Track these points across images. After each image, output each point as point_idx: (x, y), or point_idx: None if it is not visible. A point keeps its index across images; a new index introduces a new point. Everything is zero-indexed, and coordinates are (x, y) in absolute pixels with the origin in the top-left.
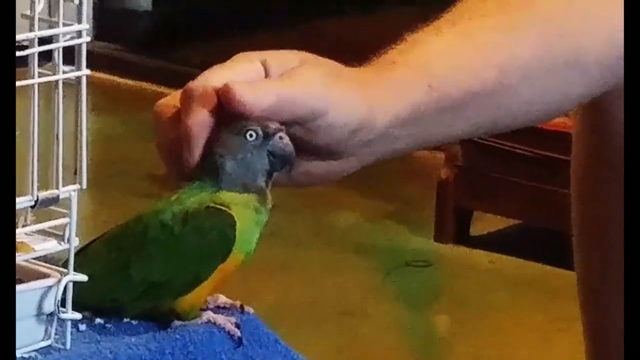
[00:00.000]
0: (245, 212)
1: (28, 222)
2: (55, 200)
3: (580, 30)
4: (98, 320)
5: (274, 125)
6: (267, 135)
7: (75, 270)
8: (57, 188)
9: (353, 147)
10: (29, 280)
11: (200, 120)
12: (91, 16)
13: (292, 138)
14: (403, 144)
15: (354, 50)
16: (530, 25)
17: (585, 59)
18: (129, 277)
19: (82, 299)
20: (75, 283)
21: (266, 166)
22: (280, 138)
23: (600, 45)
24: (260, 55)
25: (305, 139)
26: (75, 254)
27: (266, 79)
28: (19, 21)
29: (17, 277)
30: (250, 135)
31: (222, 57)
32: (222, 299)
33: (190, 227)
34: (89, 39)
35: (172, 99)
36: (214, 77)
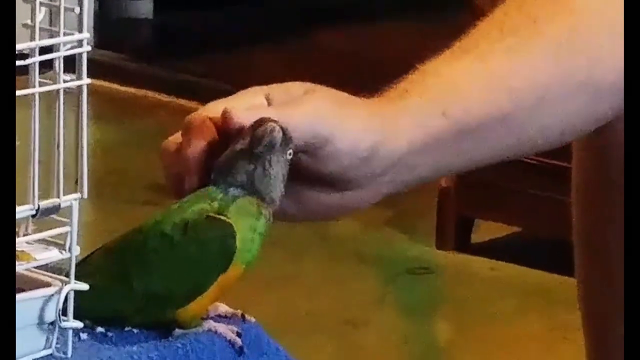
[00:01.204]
0: (246, 222)
1: (29, 231)
2: (56, 209)
3: (591, 55)
4: (99, 329)
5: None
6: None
7: (76, 279)
8: (58, 197)
9: (367, 176)
10: (30, 289)
11: (198, 150)
12: (92, 25)
13: (300, 167)
14: (423, 173)
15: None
16: (544, 50)
17: (599, 82)
18: (131, 288)
19: (83, 309)
20: (77, 293)
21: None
22: (267, 126)
23: (611, 69)
24: (264, 89)
25: (313, 168)
26: (77, 264)
27: (268, 106)
28: (20, 30)
29: (18, 286)
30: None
31: (223, 65)
32: (223, 308)
33: (190, 238)
34: (89, 48)
35: (178, 135)
36: (214, 109)
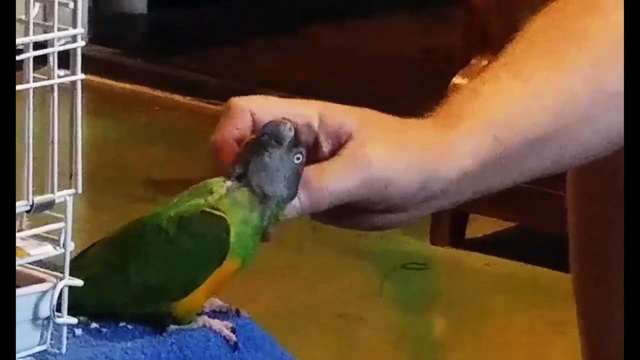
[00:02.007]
0: (239, 215)
1: (23, 227)
2: (50, 204)
3: (622, 66)
4: (94, 325)
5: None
6: (269, 124)
7: (71, 274)
8: (53, 192)
9: (417, 204)
10: (24, 285)
11: (227, 134)
12: (86, 20)
13: (357, 205)
14: (468, 195)
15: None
16: (585, 64)
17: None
18: (127, 280)
19: (79, 302)
20: (72, 287)
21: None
22: (280, 125)
23: None
24: (318, 105)
25: (367, 205)
26: (73, 259)
27: (331, 165)
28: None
29: None
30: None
31: (218, 61)
32: (218, 303)
33: (184, 232)
34: (83, 43)
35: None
36: (258, 102)
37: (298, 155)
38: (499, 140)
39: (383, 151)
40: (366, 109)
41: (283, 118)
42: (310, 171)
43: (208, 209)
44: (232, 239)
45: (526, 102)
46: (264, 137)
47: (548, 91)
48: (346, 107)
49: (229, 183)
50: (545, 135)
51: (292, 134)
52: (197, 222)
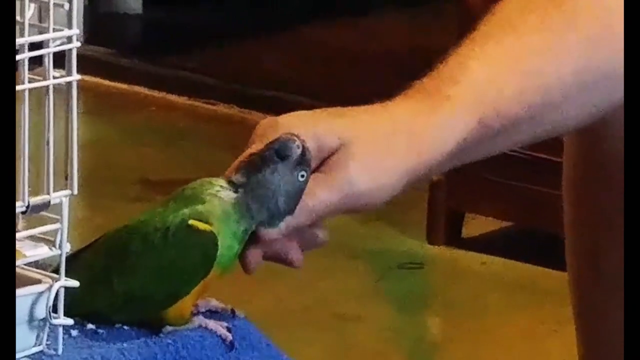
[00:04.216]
0: (231, 229)
1: (19, 228)
2: (46, 205)
3: (616, 47)
4: (90, 326)
5: (289, 135)
6: (279, 139)
7: (66, 276)
8: (48, 193)
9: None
10: (20, 286)
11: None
12: (81, 21)
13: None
14: (445, 170)
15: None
16: (574, 43)
17: (620, 71)
18: (112, 289)
19: (70, 306)
20: (67, 289)
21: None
22: (290, 141)
23: None
24: (317, 125)
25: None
26: (67, 261)
27: (313, 184)
28: None
29: None
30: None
31: (213, 60)
32: (214, 303)
33: (170, 246)
34: (79, 44)
35: None
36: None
37: (302, 173)
38: (485, 124)
39: (366, 170)
40: (353, 113)
41: (292, 134)
42: None
43: (196, 222)
44: (219, 251)
45: (515, 82)
46: (270, 151)
47: (537, 71)
48: (331, 119)
49: (223, 193)
50: (530, 114)
51: (299, 151)
52: (184, 236)
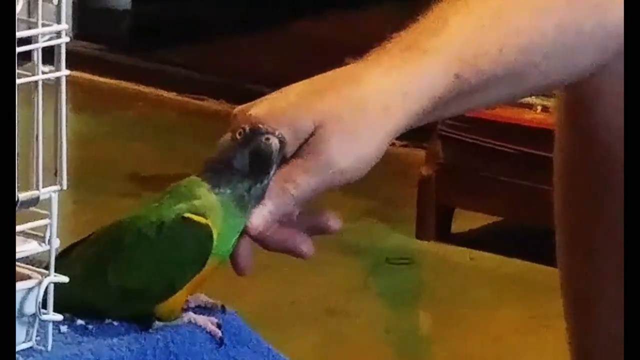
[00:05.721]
0: (222, 218)
1: None
2: (35, 201)
3: (601, 2)
4: (79, 322)
5: (265, 127)
6: (255, 134)
7: (56, 272)
8: (38, 189)
9: None
10: None
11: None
12: (70, 16)
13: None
14: (422, 124)
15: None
16: (561, 3)
17: (607, 26)
18: (106, 283)
19: (62, 301)
20: (56, 285)
21: (246, 167)
22: (267, 139)
23: (618, 15)
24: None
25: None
26: (57, 257)
27: (292, 169)
28: None
29: None
30: (240, 134)
31: (203, 56)
32: (203, 298)
33: (166, 239)
34: (68, 39)
35: None
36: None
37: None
38: (460, 78)
39: (344, 147)
40: (324, 90)
41: (267, 131)
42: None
43: (190, 215)
44: (214, 242)
45: (496, 39)
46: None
47: (518, 29)
48: (303, 102)
49: (220, 189)
50: (508, 73)
51: (279, 146)
52: (179, 230)
